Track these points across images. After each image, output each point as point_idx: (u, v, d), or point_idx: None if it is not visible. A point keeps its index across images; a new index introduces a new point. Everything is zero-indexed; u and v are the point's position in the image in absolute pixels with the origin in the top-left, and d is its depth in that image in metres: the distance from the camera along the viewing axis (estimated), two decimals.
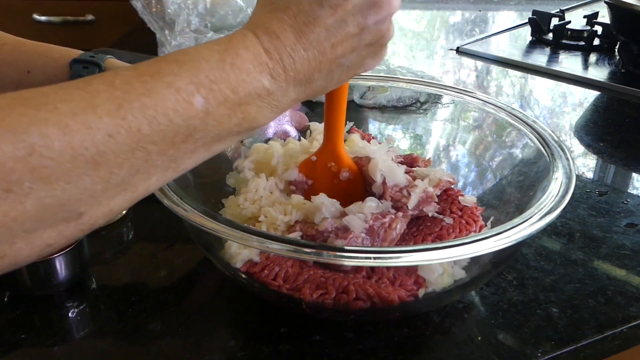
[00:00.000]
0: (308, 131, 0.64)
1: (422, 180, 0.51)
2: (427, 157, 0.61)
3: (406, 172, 0.54)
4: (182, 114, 0.31)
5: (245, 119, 0.34)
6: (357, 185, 0.53)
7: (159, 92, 0.30)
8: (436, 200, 0.51)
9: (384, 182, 0.50)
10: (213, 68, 0.32)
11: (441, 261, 0.41)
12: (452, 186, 0.54)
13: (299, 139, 0.63)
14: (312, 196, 0.49)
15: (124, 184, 0.30)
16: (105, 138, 0.28)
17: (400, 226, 0.47)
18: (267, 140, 0.63)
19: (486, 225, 0.52)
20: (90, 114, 0.28)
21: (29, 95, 0.27)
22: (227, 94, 0.33)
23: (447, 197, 0.53)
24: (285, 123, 0.64)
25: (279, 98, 0.35)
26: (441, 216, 0.51)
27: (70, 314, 0.49)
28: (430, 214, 0.50)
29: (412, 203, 0.49)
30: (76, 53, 0.59)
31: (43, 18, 1.41)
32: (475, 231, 0.50)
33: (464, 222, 0.51)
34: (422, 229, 0.50)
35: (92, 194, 0.29)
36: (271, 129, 0.64)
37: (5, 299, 0.50)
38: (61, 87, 0.28)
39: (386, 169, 0.51)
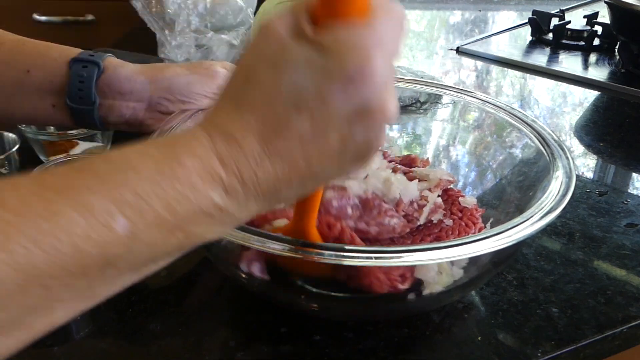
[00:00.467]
0: None
1: (422, 180, 0.51)
2: (426, 157, 0.61)
3: (405, 173, 0.54)
4: (98, 241, 0.23)
5: (188, 239, 0.28)
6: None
7: (65, 214, 0.23)
8: (443, 206, 0.50)
9: (400, 200, 0.49)
10: (145, 181, 0.25)
11: (442, 261, 0.40)
12: (452, 186, 0.54)
13: None
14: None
15: (12, 324, 0.23)
16: None
17: (395, 222, 0.47)
18: None
19: (485, 227, 0.52)
20: None
21: None
22: (163, 215, 0.25)
23: (448, 197, 0.53)
24: None
25: (235, 213, 0.29)
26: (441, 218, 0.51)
27: None
28: (435, 221, 0.50)
29: (423, 218, 0.49)
30: (75, 52, 0.58)
31: (43, 18, 1.41)
32: (474, 233, 0.50)
33: (463, 224, 0.50)
34: (421, 230, 0.50)
35: None
36: None
37: None
38: None
39: (402, 185, 0.49)
